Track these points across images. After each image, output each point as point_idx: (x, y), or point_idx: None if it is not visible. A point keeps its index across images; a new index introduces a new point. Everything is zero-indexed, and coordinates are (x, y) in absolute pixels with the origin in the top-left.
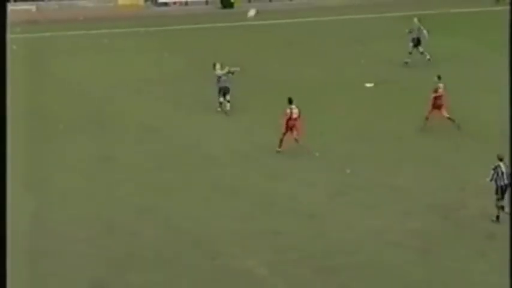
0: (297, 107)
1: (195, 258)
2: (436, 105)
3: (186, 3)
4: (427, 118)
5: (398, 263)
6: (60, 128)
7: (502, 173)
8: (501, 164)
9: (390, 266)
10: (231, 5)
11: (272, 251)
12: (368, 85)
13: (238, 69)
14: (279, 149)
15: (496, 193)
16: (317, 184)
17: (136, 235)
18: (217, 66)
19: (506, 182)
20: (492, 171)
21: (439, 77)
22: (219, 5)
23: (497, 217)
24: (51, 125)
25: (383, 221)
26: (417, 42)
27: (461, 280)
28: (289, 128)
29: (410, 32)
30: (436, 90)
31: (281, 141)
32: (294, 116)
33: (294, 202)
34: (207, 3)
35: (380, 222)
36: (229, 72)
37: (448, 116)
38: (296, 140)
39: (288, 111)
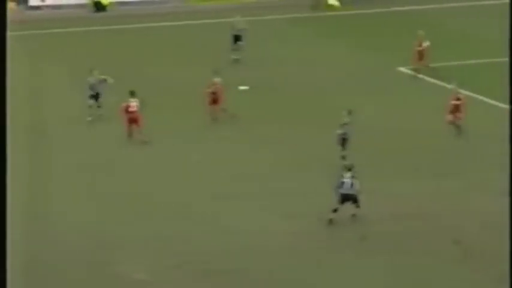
0: (138, 100)
1: (73, 264)
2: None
3: (59, 7)
4: None
5: (278, 266)
6: None
7: (343, 183)
8: (349, 174)
9: (269, 270)
10: (103, 8)
11: (152, 256)
12: (242, 88)
13: (112, 80)
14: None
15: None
16: (197, 188)
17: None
18: (95, 72)
19: (349, 192)
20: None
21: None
22: (92, 8)
23: (331, 220)
24: None
25: (262, 224)
26: (236, 39)
27: (340, 281)
28: (129, 120)
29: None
30: None
31: (129, 133)
32: (131, 109)
33: (175, 207)
34: (80, 6)
35: (259, 226)
36: (102, 80)
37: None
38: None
39: (124, 104)
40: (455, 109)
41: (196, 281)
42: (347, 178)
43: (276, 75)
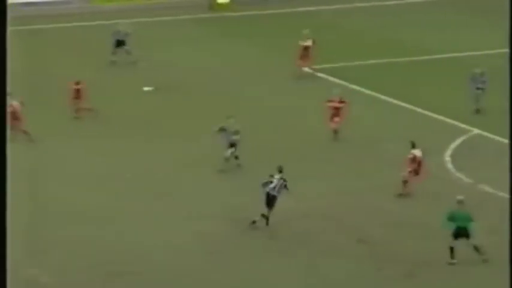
0: (18, 101)
1: None
2: None
3: None
4: None
5: (188, 266)
6: None
7: (271, 182)
8: (278, 175)
9: (180, 270)
10: None
11: (60, 258)
12: (146, 89)
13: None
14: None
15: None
16: (98, 190)
17: None
18: None
19: (273, 192)
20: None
21: None
22: None
23: (254, 221)
24: None
25: (170, 225)
26: (118, 44)
27: (249, 281)
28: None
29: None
30: None
31: (24, 132)
32: (12, 109)
33: (82, 208)
34: None
35: (168, 227)
36: None
37: None
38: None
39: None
40: (336, 113)
41: (102, 283)
42: (275, 179)
43: (178, 76)
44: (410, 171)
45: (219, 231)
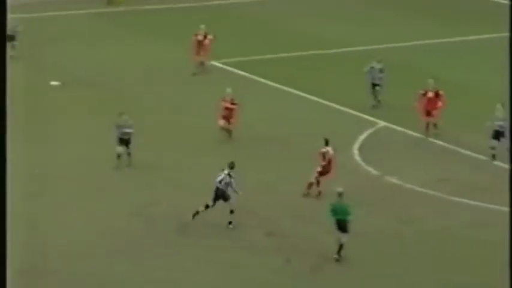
0: None
1: None
2: None
3: None
4: None
5: (94, 264)
6: None
7: (222, 179)
8: (227, 171)
9: (85, 269)
10: None
11: None
12: (54, 83)
13: None
14: None
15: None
16: (12, 188)
17: None
18: None
19: (220, 186)
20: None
21: None
22: None
23: (197, 212)
24: None
25: (78, 221)
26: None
27: (156, 276)
28: None
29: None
30: None
31: None
32: None
33: None
34: None
35: (74, 223)
36: None
37: None
38: None
39: None
40: (229, 114)
41: (12, 280)
42: (225, 174)
43: (77, 72)
44: (319, 172)
45: (127, 228)
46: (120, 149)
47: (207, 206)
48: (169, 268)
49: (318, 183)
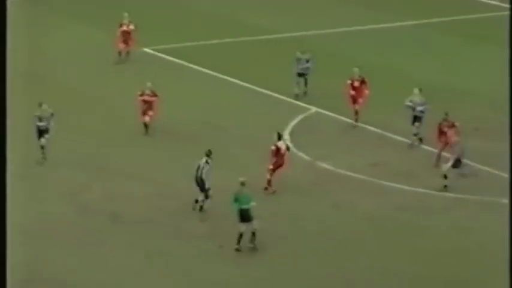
0: None
1: None
2: None
3: None
4: None
5: (27, 249)
6: None
7: (199, 167)
8: (205, 159)
9: (18, 253)
10: None
11: None
12: None
13: None
14: None
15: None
16: None
17: None
18: None
19: (202, 176)
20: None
21: None
22: None
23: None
24: None
25: (8, 207)
26: None
27: (86, 262)
28: None
29: None
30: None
31: None
32: None
33: None
34: None
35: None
36: None
37: None
38: None
39: None
40: (149, 107)
41: None
42: (202, 162)
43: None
44: (271, 169)
45: (58, 215)
46: (43, 140)
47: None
48: (100, 254)
49: (270, 182)
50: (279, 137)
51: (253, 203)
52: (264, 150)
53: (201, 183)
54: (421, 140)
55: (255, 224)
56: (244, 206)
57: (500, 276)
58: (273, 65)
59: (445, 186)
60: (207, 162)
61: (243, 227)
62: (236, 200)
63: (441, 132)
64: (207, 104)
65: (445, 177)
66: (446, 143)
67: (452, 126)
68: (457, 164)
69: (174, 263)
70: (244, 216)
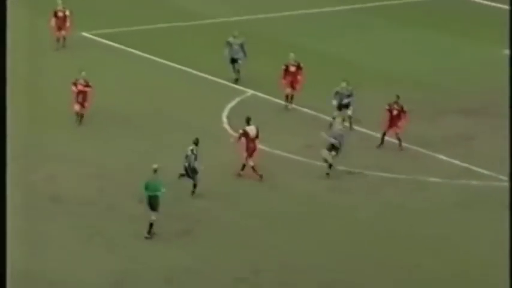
0: None
1: None
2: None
3: None
4: None
5: None
6: None
7: (187, 156)
8: (193, 147)
9: None
10: None
11: None
12: None
13: None
14: None
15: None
16: None
17: None
18: None
19: (192, 164)
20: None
21: None
22: None
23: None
24: None
25: None
26: None
27: (28, 243)
28: None
29: None
30: None
31: None
32: None
33: None
34: None
35: None
36: None
37: None
38: None
39: None
40: (83, 97)
41: None
42: (189, 151)
43: None
44: (247, 156)
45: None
46: None
47: (194, 186)
48: (41, 234)
49: (244, 166)
50: (248, 122)
51: (163, 190)
52: (201, 133)
53: (192, 172)
54: (351, 124)
55: (155, 214)
56: (153, 193)
57: (427, 254)
58: (209, 49)
59: (327, 174)
60: (192, 151)
61: (154, 216)
62: (146, 187)
63: (391, 115)
64: (143, 87)
65: (326, 161)
66: (392, 126)
67: (402, 110)
68: (333, 148)
69: (115, 243)
70: (153, 203)
